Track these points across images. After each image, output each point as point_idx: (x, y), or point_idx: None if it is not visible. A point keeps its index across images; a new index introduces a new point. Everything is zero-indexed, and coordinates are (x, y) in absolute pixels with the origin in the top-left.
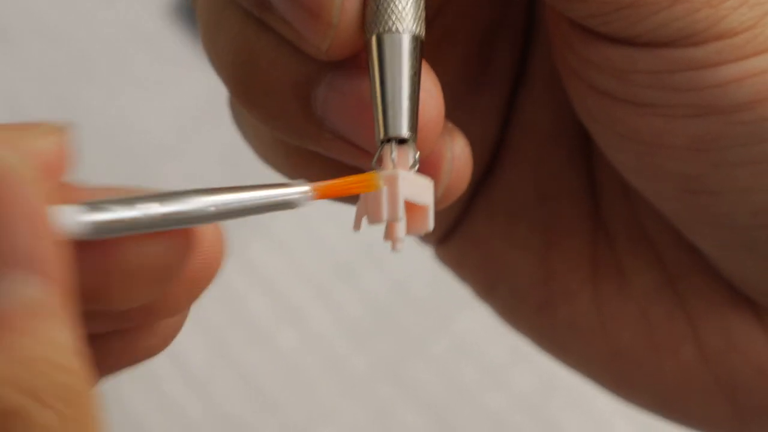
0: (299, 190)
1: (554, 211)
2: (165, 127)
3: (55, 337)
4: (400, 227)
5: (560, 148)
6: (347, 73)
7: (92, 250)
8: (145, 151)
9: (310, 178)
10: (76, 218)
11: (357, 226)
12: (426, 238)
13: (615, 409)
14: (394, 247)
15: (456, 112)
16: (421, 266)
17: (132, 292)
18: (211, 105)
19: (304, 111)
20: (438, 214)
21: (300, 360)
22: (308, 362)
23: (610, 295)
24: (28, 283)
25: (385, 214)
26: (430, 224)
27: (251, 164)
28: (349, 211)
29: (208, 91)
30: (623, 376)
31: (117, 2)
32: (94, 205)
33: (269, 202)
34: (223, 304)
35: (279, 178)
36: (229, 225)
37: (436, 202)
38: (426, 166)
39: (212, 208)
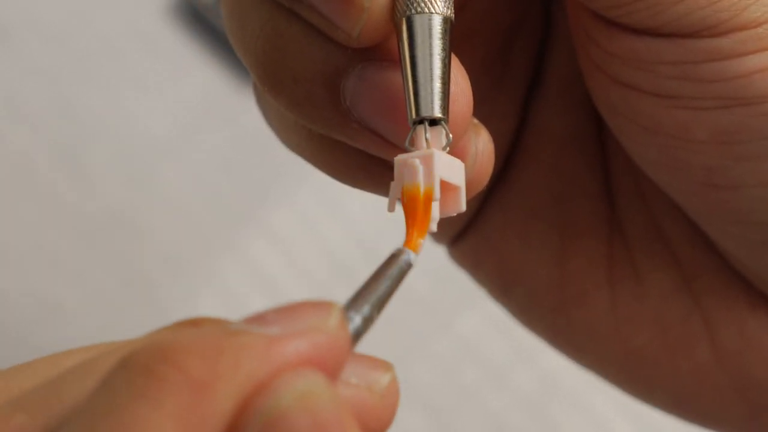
0: (408, 258)
1: (570, 213)
2: (165, 127)
3: None
4: (435, 207)
5: (575, 150)
6: (378, 64)
7: None
8: (145, 150)
9: (332, 164)
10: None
11: (392, 207)
12: (440, 237)
13: (615, 409)
14: (430, 228)
15: (474, 113)
16: (421, 266)
17: None
18: (210, 104)
19: (332, 100)
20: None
21: None
22: None
23: (625, 297)
24: None
25: (421, 195)
26: (463, 205)
27: (251, 164)
28: (350, 210)
29: (208, 90)
30: (639, 377)
31: (117, 2)
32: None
33: (394, 280)
34: (224, 304)
35: (292, 167)
36: (229, 225)
37: None
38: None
39: (369, 310)
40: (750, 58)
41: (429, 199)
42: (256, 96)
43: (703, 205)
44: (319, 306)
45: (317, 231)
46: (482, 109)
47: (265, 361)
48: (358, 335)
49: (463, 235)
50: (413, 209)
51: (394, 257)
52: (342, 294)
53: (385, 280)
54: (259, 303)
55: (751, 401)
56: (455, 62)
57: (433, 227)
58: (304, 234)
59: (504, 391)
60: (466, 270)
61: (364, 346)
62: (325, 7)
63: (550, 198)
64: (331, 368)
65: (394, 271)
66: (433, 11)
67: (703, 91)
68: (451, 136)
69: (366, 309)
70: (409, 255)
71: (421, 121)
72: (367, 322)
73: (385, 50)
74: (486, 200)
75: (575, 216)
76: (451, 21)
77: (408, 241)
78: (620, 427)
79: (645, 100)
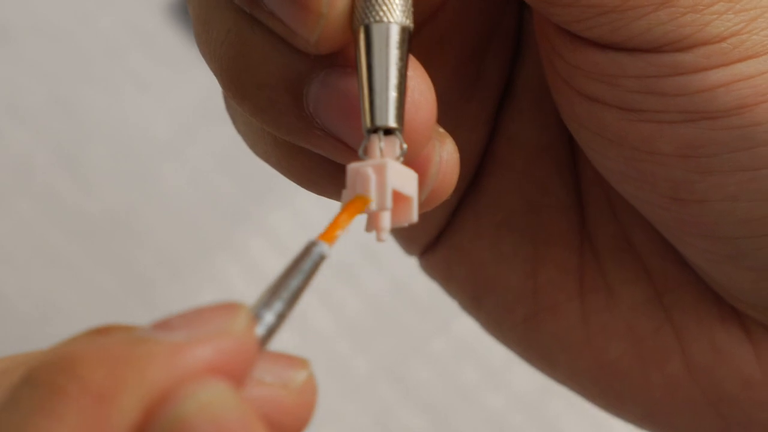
0: (320, 249)
1: (541, 224)
2: (165, 127)
3: None
4: (386, 216)
5: (547, 161)
6: (341, 71)
7: None
8: (145, 150)
9: (297, 171)
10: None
11: None
12: (410, 248)
13: None
14: (379, 238)
15: (444, 121)
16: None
17: None
18: (210, 104)
19: (295, 107)
20: (422, 223)
21: None
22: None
23: (596, 309)
24: None
25: (373, 203)
26: (415, 216)
27: (251, 164)
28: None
29: (207, 90)
30: (610, 390)
31: (117, 2)
32: (260, 319)
33: (307, 274)
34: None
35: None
36: (229, 224)
37: (421, 205)
38: (414, 168)
39: (281, 306)
40: (714, 73)
41: (381, 209)
42: (225, 103)
43: (669, 219)
44: (225, 308)
45: (316, 231)
46: (453, 118)
47: (169, 370)
48: (270, 333)
49: (434, 246)
50: (351, 207)
51: (307, 250)
52: (341, 294)
53: (299, 274)
54: None
55: (724, 415)
56: (420, 71)
57: (383, 237)
58: (303, 234)
59: (503, 391)
60: (437, 281)
61: (363, 348)
62: (283, 14)
63: (521, 208)
64: (238, 372)
65: (307, 264)
66: (392, 20)
67: (666, 105)
68: (405, 146)
69: (278, 305)
70: (323, 247)
71: (375, 130)
72: (280, 318)
73: (349, 57)
74: (457, 210)
75: (547, 226)
76: (410, 31)
77: (324, 234)
78: (619, 427)
79: (609, 113)
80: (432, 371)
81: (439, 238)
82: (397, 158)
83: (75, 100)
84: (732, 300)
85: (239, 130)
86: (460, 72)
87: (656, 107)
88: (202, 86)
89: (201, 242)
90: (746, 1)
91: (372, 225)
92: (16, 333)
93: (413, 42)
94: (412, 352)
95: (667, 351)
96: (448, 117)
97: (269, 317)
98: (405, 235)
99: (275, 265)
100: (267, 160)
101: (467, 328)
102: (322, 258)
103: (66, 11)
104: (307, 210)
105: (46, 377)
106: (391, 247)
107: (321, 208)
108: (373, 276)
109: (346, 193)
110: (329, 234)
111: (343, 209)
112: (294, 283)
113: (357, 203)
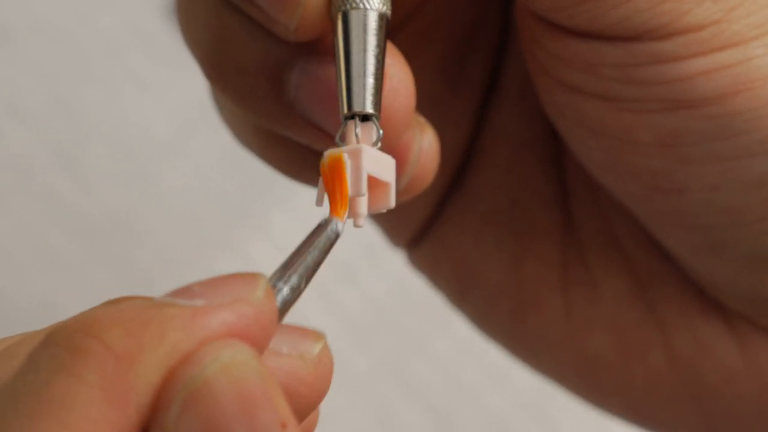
0: (335, 226)
1: (525, 218)
2: (165, 127)
3: None
4: (363, 202)
5: (531, 155)
6: (321, 59)
7: None
8: (145, 150)
9: (279, 160)
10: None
11: (319, 201)
12: (397, 241)
13: None
14: (356, 224)
15: (429, 115)
16: None
17: None
18: (210, 105)
19: (276, 94)
20: (408, 216)
21: None
22: None
23: (580, 301)
24: None
25: (348, 188)
26: (392, 201)
27: (251, 164)
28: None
29: (207, 90)
30: (594, 382)
31: (117, 2)
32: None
33: (323, 249)
34: None
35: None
36: (229, 225)
37: (400, 194)
38: (393, 156)
39: (297, 281)
40: (693, 61)
41: (341, 166)
42: (211, 93)
43: (650, 210)
44: (246, 277)
45: None
46: (438, 111)
47: (190, 333)
48: (286, 306)
49: (420, 239)
50: (332, 180)
51: (321, 227)
52: (343, 293)
53: (313, 249)
54: None
55: (706, 408)
56: (398, 59)
57: (360, 223)
58: (303, 234)
59: (504, 391)
60: (423, 274)
61: (364, 347)
62: (262, 1)
63: (505, 202)
64: (257, 339)
65: (321, 240)
66: (369, 7)
67: (646, 94)
68: (381, 132)
69: (294, 279)
70: (337, 224)
71: (352, 117)
72: (295, 292)
73: (329, 45)
74: (442, 204)
75: (530, 220)
76: (387, 18)
77: (333, 210)
78: (619, 428)
79: (589, 102)
80: (433, 370)
81: (424, 232)
82: (374, 144)
83: (75, 100)
84: (714, 292)
85: (224, 119)
86: (445, 66)
87: (635, 96)
88: (202, 86)
89: (201, 242)
90: None
91: (350, 211)
92: (16, 333)
93: (397, 36)
94: (413, 351)
95: (649, 343)
96: (432, 111)
97: (285, 290)
98: (390, 227)
99: (275, 265)
100: (250, 148)
101: (468, 327)
102: (336, 236)
103: (66, 11)
104: (307, 209)
105: (66, 339)
106: (392, 246)
107: (321, 208)
108: (373, 275)
109: (322, 180)
110: (338, 212)
111: (332, 186)
112: (309, 258)
113: (339, 173)
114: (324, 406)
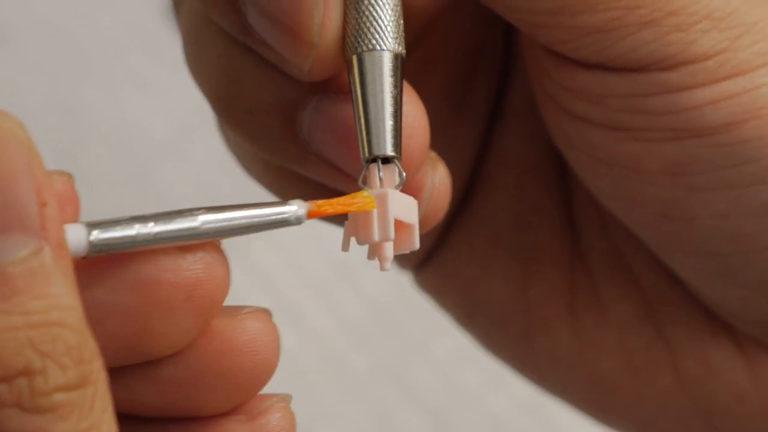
0: (295, 209)
1: (532, 241)
2: (165, 127)
3: (61, 300)
4: (389, 246)
5: (538, 179)
6: (334, 97)
7: (126, 287)
8: (145, 150)
9: (291, 195)
10: (80, 236)
11: (346, 247)
12: (404, 263)
13: None
14: (382, 267)
15: (434, 140)
16: None
17: (172, 321)
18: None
19: (289, 132)
20: None
21: (300, 360)
22: (308, 362)
23: (588, 324)
24: (25, 244)
25: (376, 234)
26: (416, 242)
27: None
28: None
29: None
30: (603, 403)
31: (116, 2)
32: (95, 225)
33: (265, 221)
34: (224, 304)
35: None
36: None
37: None
38: (405, 193)
39: (206, 226)
40: (700, 91)
41: (384, 240)
42: (217, 124)
43: (659, 236)
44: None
45: (317, 231)
46: (443, 137)
47: None
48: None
49: (428, 262)
50: (353, 206)
51: (286, 213)
52: (343, 294)
53: (254, 219)
54: (259, 304)
55: (714, 428)
56: (413, 96)
57: (387, 267)
58: (304, 234)
59: (504, 393)
60: (430, 296)
61: (363, 348)
62: (275, 43)
63: (512, 226)
64: None
65: (272, 217)
66: (384, 48)
67: (653, 124)
68: (404, 174)
69: (153, 228)
70: (298, 212)
71: (374, 160)
72: (140, 238)
73: (342, 82)
74: (449, 228)
75: (537, 244)
76: (402, 57)
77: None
78: None
79: (597, 132)
80: (432, 372)
81: (431, 255)
82: (397, 186)
83: (75, 100)
84: (723, 315)
85: (232, 152)
86: (449, 93)
87: (643, 126)
88: None
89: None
90: (730, 19)
91: (374, 254)
92: None
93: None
94: (412, 353)
95: (658, 365)
96: (438, 137)
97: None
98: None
99: (275, 267)
100: (261, 182)
101: None
102: (299, 215)
103: (66, 11)
104: None
105: None
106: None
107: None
108: (374, 276)
109: (348, 225)
110: (319, 207)
111: (346, 203)
112: (235, 224)
113: (360, 202)
114: (324, 407)
